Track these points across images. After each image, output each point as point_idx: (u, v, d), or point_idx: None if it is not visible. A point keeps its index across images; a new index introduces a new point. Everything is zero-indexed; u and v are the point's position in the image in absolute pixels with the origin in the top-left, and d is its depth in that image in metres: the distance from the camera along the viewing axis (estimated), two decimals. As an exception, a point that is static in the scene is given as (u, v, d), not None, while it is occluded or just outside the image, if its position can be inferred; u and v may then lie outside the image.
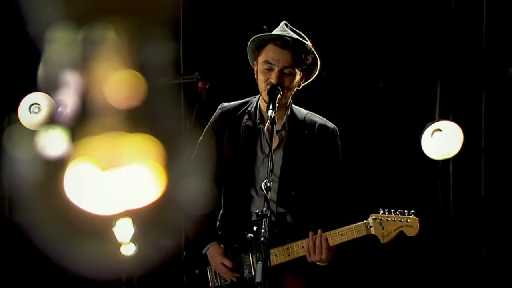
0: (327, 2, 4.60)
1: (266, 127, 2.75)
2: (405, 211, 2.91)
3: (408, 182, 4.61)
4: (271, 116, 2.75)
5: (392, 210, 2.93)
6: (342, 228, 2.93)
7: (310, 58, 3.07)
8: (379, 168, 4.67)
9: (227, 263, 3.11)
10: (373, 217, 2.93)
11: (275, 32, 3.07)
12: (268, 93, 2.93)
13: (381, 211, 2.94)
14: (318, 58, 3.09)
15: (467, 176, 4.63)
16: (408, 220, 2.88)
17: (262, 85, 3.03)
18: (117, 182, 1.88)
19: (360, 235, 2.92)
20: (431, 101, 4.65)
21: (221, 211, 3.24)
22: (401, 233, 2.90)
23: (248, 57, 3.16)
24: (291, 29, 3.08)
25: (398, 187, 4.57)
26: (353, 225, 2.93)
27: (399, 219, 2.89)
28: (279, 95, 2.91)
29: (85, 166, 1.86)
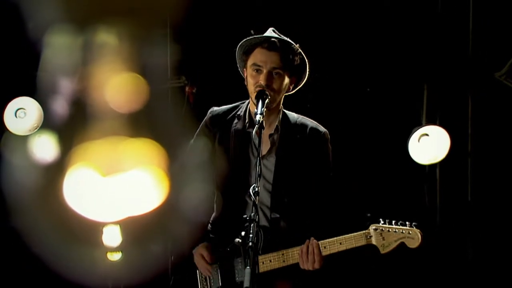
0: (314, 8, 4.61)
1: (254, 131, 2.74)
2: (406, 222, 2.90)
3: (395, 186, 4.62)
4: (259, 120, 2.75)
5: (393, 221, 2.92)
6: (340, 236, 2.93)
7: (298, 59, 3.08)
8: (366, 173, 4.67)
9: (206, 254, 3.12)
10: (374, 227, 2.92)
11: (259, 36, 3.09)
12: (256, 98, 2.93)
13: (381, 221, 2.93)
14: (306, 61, 3.10)
15: (454, 180, 4.63)
16: (410, 232, 2.87)
17: (251, 88, 3.03)
18: (118, 188, 1.86)
19: (359, 244, 2.92)
20: (418, 106, 4.66)
21: (214, 214, 3.24)
22: (402, 244, 2.90)
23: (237, 65, 3.17)
24: (278, 35, 3.10)
25: (385, 192, 4.59)
26: (352, 234, 2.93)
27: (401, 230, 2.88)
28: (268, 99, 2.91)
29: (85, 172, 1.84)
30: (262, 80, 2.97)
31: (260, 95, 2.93)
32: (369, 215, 3.10)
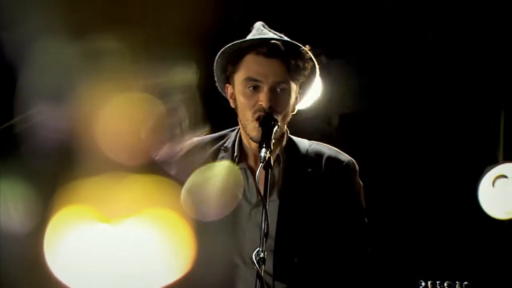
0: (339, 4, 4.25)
1: (258, 172, 2.38)
2: (457, 282, 2.51)
3: (461, 247, 4.27)
4: (265, 157, 2.38)
5: (438, 282, 2.52)
6: None
7: (309, 67, 2.68)
8: (421, 229, 4.32)
9: None
10: None
11: (250, 37, 2.69)
12: (261, 126, 2.53)
13: (423, 283, 2.52)
14: (317, 67, 2.72)
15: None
16: None
17: (247, 114, 2.61)
18: (120, 245, 1.69)
19: None
20: (493, 137, 4.33)
21: None
22: None
23: (216, 80, 2.74)
24: (274, 34, 2.71)
25: (446, 254, 4.23)
26: None
27: None
28: (277, 126, 2.52)
29: (75, 220, 1.67)
30: (263, 101, 2.55)
31: (267, 122, 2.53)
32: (422, 281, 2.49)
